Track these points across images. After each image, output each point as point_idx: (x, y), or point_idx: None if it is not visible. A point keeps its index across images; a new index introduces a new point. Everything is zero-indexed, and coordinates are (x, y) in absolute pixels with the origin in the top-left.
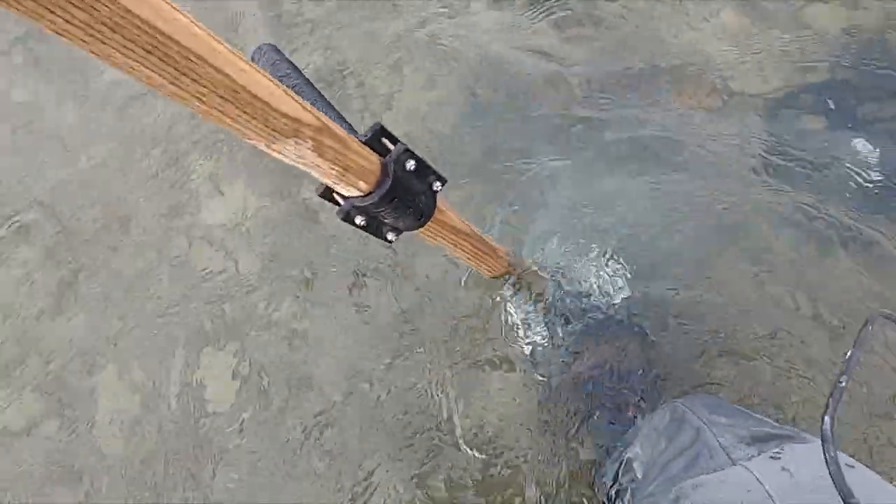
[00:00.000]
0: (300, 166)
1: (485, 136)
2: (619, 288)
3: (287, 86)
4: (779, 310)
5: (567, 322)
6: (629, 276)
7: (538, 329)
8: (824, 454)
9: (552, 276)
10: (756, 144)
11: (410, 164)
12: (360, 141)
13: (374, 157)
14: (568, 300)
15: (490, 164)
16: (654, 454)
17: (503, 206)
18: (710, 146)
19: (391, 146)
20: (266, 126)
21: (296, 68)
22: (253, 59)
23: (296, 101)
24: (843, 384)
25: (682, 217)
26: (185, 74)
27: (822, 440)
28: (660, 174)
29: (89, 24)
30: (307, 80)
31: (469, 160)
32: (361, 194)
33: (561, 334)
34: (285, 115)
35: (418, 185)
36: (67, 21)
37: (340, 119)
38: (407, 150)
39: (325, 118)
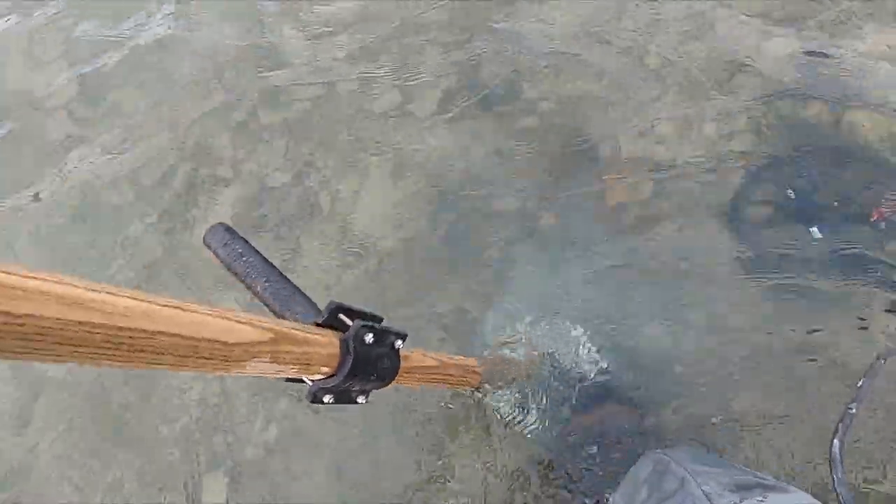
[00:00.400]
0: (262, 376)
1: None
2: (594, 361)
3: (239, 265)
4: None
5: (550, 400)
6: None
7: (523, 411)
8: (832, 475)
9: (537, 359)
10: None
11: (369, 338)
12: (318, 323)
13: (334, 339)
14: (551, 380)
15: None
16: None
17: None
18: None
19: (348, 321)
20: (224, 360)
21: (248, 245)
22: (205, 241)
23: (246, 323)
24: (854, 411)
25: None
26: (140, 350)
27: (830, 461)
28: None
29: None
30: (260, 255)
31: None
32: (324, 377)
33: (546, 412)
34: (239, 345)
35: (380, 351)
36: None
37: (296, 291)
38: (364, 325)
39: (278, 327)
